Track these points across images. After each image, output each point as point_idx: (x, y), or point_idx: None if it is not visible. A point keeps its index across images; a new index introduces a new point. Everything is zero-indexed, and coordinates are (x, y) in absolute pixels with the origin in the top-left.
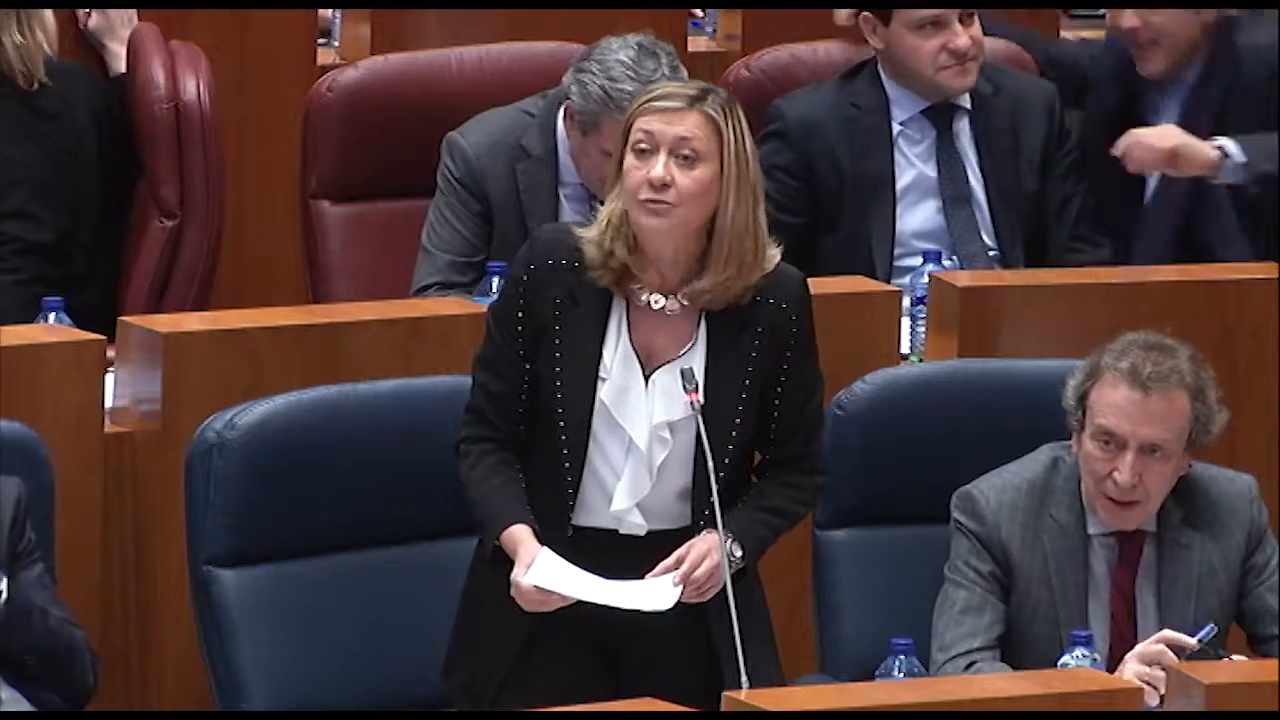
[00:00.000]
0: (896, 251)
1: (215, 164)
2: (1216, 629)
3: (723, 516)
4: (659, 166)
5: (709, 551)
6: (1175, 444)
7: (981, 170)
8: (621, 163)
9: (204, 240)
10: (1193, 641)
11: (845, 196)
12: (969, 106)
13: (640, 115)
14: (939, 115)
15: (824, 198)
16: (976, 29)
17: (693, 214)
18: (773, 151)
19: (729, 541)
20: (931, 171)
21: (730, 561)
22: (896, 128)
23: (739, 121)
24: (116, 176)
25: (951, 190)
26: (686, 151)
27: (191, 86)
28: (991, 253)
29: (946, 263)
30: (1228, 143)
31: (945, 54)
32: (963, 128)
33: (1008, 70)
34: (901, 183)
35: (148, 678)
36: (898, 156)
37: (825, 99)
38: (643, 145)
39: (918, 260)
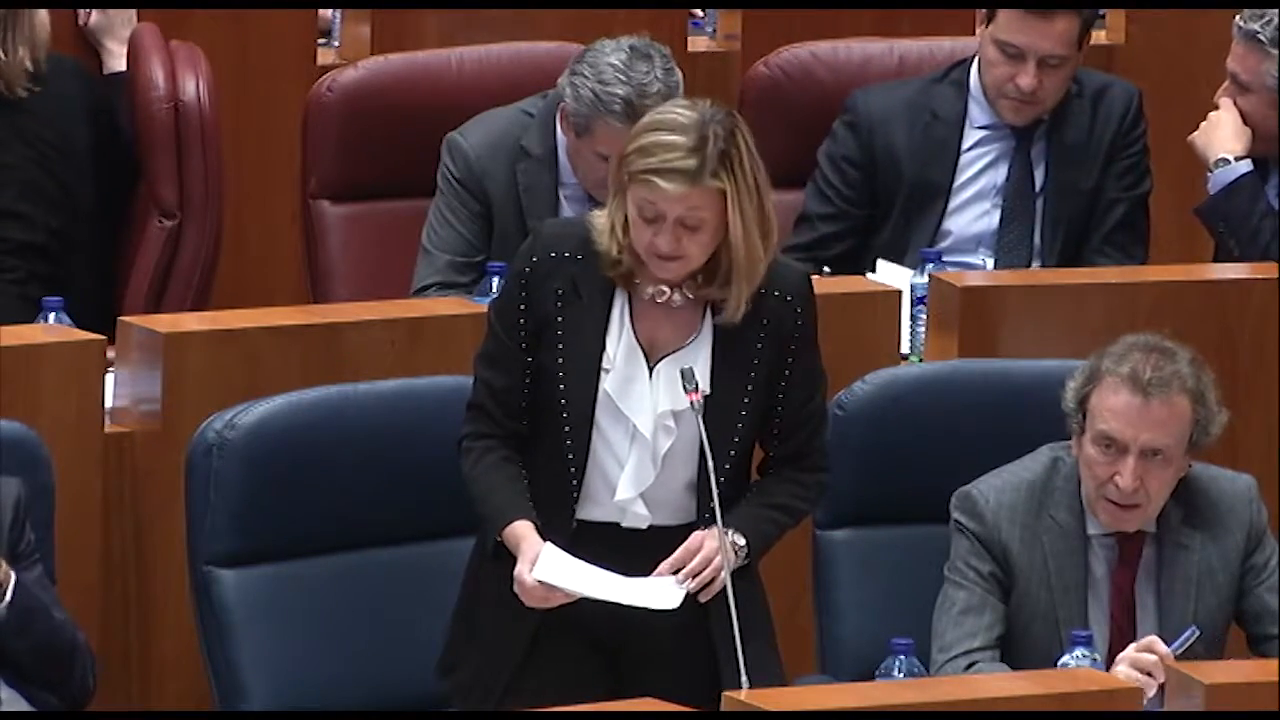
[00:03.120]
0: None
1: (215, 164)
2: (1199, 632)
3: (727, 512)
4: (665, 240)
5: (714, 546)
6: (1176, 448)
7: (1048, 176)
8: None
9: (203, 240)
10: (1168, 651)
11: (899, 198)
12: (1048, 116)
13: (641, 184)
14: (1020, 126)
15: (882, 194)
16: (1055, 79)
17: (701, 260)
18: (842, 143)
19: (734, 535)
20: (1000, 178)
21: (735, 557)
22: (975, 131)
23: (741, 159)
24: (112, 175)
25: (1017, 197)
26: (692, 222)
27: (191, 86)
28: (1036, 262)
29: (982, 262)
30: (1229, 170)
31: (1011, 84)
32: (1042, 135)
33: (1093, 71)
34: (963, 189)
35: (148, 678)
36: (969, 158)
37: (904, 98)
38: (647, 214)
39: (964, 259)
